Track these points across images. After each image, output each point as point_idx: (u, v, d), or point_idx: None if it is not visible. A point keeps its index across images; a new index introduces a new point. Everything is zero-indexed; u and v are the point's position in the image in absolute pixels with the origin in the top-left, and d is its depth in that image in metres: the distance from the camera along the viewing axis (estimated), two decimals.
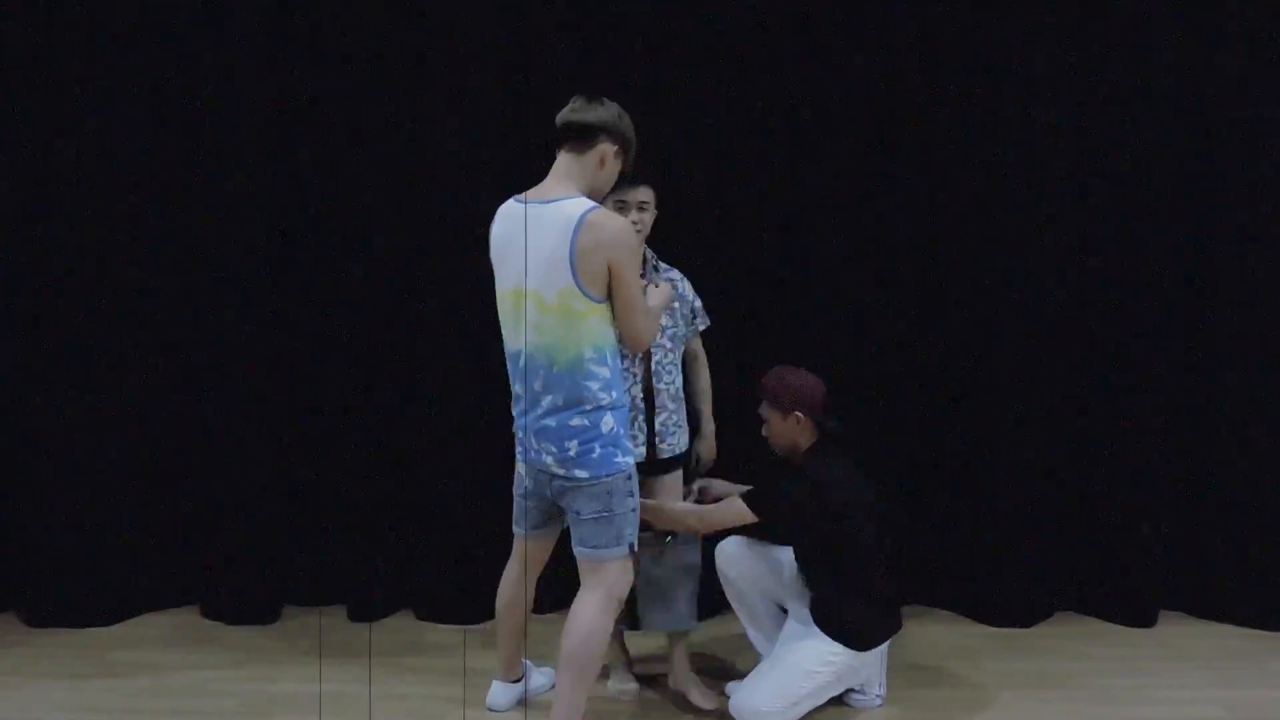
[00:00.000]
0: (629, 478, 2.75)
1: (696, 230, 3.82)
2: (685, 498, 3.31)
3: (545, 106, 3.82)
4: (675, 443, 3.20)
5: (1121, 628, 3.92)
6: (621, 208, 3.12)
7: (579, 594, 2.78)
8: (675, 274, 3.28)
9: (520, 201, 2.75)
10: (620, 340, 2.77)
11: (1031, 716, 3.20)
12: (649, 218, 3.15)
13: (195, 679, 3.43)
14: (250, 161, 3.81)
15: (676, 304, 3.22)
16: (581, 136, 2.73)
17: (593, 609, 2.73)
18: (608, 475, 2.70)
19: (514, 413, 2.85)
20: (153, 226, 3.90)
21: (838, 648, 3.06)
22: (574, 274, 2.61)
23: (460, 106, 3.78)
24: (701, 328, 3.34)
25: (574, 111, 2.76)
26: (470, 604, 3.93)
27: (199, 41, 3.81)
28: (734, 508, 3.04)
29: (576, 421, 2.67)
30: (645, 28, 3.82)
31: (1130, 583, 3.93)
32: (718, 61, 3.85)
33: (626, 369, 3.13)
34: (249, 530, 3.88)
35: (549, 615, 3.96)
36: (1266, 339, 3.89)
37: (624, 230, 2.64)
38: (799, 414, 3.12)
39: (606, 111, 2.76)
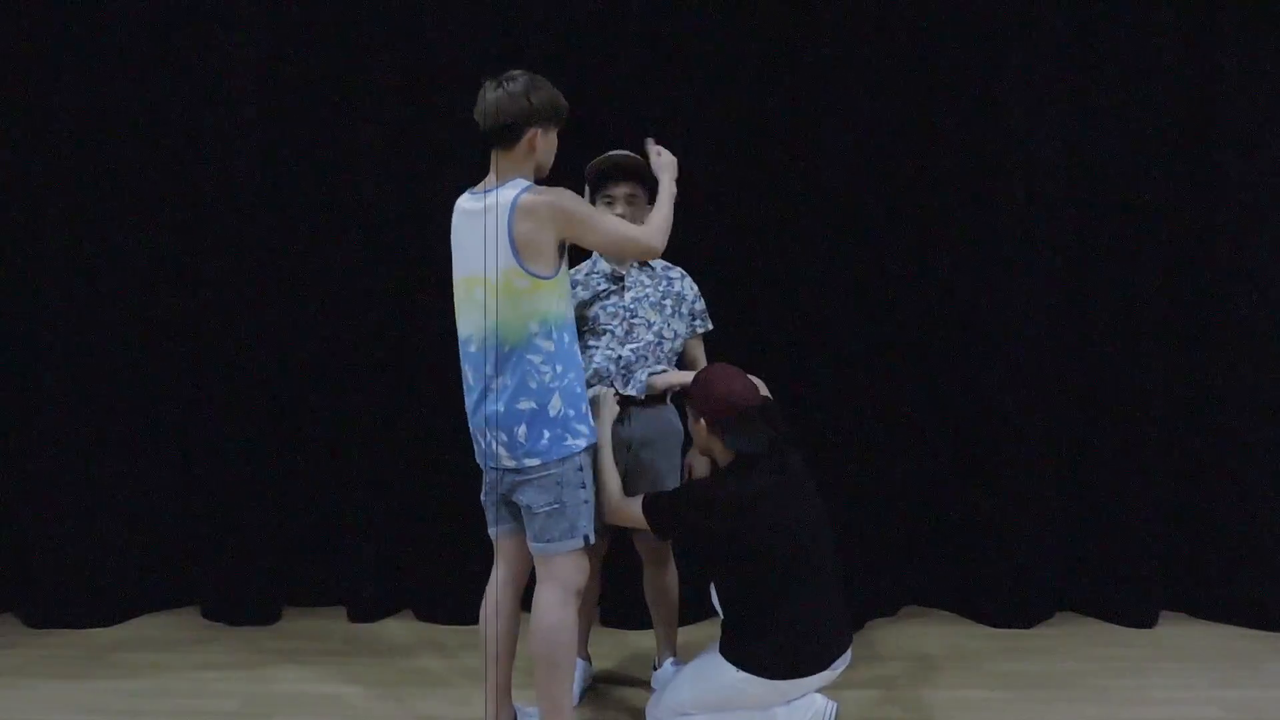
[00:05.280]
0: (580, 469, 2.73)
1: (697, 230, 3.82)
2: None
3: None
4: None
5: (1121, 628, 3.92)
6: (609, 202, 3.11)
7: (535, 590, 2.77)
8: (676, 271, 3.26)
9: (473, 194, 2.78)
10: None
11: (1031, 717, 3.19)
12: (638, 211, 3.13)
13: (195, 679, 3.43)
14: (252, 162, 3.82)
15: (668, 301, 3.17)
16: (503, 136, 2.73)
17: (551, 605, 2.72)
18: (559, 459, 2.68)
19: (467, 404, 2.81)
20: (153, 226, 3.90)
21: (746, 674, 2.80)
22: (515, 255, 2.65)
23: (458, 106, 3.79)
24: (701, 331, 3.28)
25: (486, 113, 2.72)
26: (470, 604, 3.92)
27: (198, 40, 3.82)
28: (634, 509, 2.88)
29: (524, 404, 2.67)
30: (645, 25, 3.82)
31: (1130, 583, 3.93)
32: (718, 60, 3.86)
33: (613, 365, 3.12)
34: (249, 531, 3.88)
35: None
36: (1266, 339, 3.89)
37: (558, 198, 2.67)
38: (703, 422, 2.92)
39: (516, 102, 2.71)
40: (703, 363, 3.30)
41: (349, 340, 3.92)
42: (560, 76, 3.85)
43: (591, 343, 3.11)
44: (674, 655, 3.34)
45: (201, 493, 3.93)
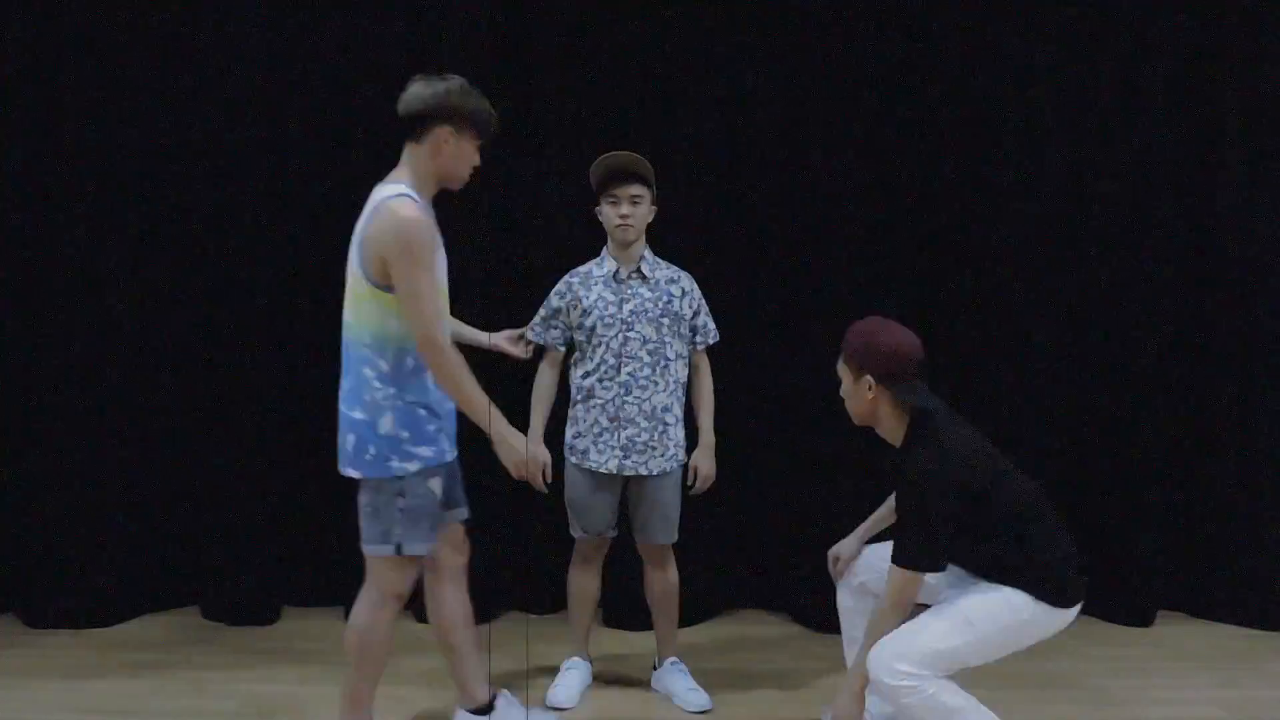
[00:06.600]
0: (400, 494, 2.63)
1: (700, 232, 3.82)
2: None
3: (543, 104, 3.83)
4: (644, 460, 3.12)
5: (1121, 628, 3.92)
6: (613, 203, 3.09)
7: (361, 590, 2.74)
8: (679, 286, 3.20)
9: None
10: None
11: (1031, 716, 3.19)
12: (643, 212, 3.10)
13: (195, 679, 3.43)
14: (250, 163, 3.82)
15: (665, 319, 3.11)
16: (412, 125, 2.63)
17: (366, 607, 2.69)
18: (376, 479, 2.61)
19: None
20: (152, 227, 3.90)
21: (1023, 597, 2.54)
22: (359, 257, 2.57)
23: None
24: (700, 346, 3.23)
25: (402, 100, 2.63)
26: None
27: (197, 43, 3.82)
28: (895, 579, 2.58)
29: (358, 415, 2.60)
30: (646, 25, 3.82)
31: (1130, 583, 3.94)
32: (719, 60, 3.86)
33: (611, 380, 3.11)
34: (249, 531, 3.88)
35: (549, 616, 3.98)
36: (1266, 340, 3.89)
37: (405, 223, 2.49)
38: (869, 378, 2.66)
39: (432, 93, 2.60)
40: (706, 369, 3.26)
41: None
42: (562, 77, 3.86)
43: (588, 353, 3.12)
44: (674, 656, 3.35)
45: (201, 493, 3.93)
